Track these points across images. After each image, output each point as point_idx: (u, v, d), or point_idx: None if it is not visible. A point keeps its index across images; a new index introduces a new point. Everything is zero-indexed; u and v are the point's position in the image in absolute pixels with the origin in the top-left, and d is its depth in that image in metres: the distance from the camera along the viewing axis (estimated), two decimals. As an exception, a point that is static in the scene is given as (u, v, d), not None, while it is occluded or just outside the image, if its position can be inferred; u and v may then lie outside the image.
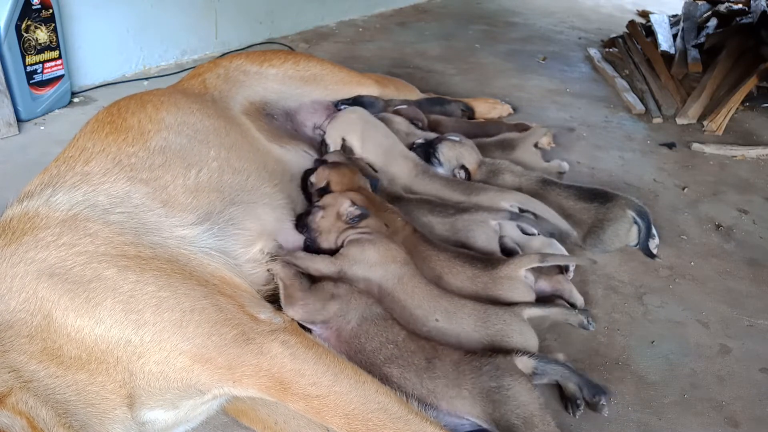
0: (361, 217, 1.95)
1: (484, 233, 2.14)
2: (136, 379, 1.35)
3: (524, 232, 2.24)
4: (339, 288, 1.74)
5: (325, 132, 2.48)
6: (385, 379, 1.56)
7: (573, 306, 2.03)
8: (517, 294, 1.92)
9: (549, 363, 1.69)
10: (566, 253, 2.19)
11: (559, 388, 1.76)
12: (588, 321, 1.96)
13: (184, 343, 1.36)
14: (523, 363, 1.64)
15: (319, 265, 1.86)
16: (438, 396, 1.56)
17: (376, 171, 2.37)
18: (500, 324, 1.76)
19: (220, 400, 1.55)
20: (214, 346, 1.38)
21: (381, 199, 2.17)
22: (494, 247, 2.14)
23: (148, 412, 1.39)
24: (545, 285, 2.05)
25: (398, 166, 2.41)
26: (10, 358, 1.28)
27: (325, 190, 2.13)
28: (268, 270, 1.77)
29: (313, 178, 2.20)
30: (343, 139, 2.42)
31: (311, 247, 1.98)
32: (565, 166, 2.81)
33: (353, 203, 1.98)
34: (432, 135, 2.68)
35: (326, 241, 1.97)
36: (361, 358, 1.62)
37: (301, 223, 2.01)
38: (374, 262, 1.85)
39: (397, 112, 2.79)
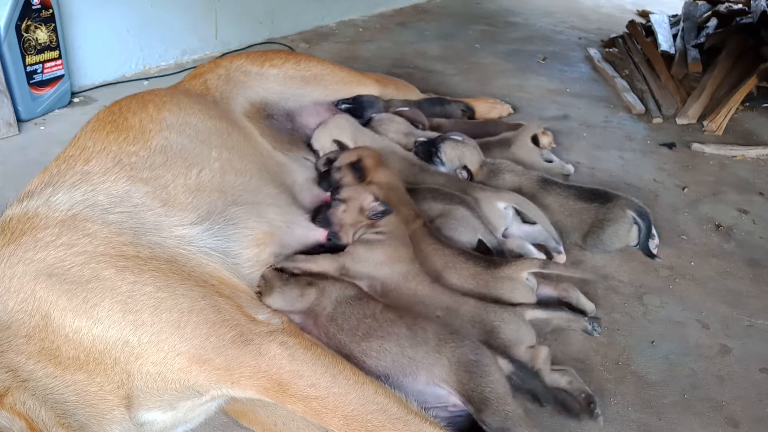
0: (384, 213, 1.94)
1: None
2: (134, 379, 1.35)
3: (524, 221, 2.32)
4: (315, 277, 1.77)
5: (312, 137, 2.45)
6: (365, 355, 1.58)
7: (581, 312, 2.01)
8: (517, 295, 1.92)
9: (522, 370, 1.65)
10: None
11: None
12: (593, 327, 1.94)
13: (182, 344, 1.36)
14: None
15: (321, 263, 1.87)
16: (419, 364, 1.57)
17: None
18: (498, 322, 1.76)
19: (219, 401, 1.55)
20: (212, 347, 1.38)
21: (402, 187, 2.16)
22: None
23: (146, 413, 1.39)
24: (551, 291, 2.04)
25: (395, 166, 2.40)
26: (7, 359, 1.28)
27: (355, 167, 2.14)
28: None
29: (338, 162, 2.18)
30: (336, 141, 2.41)
31: (333, 242, 1.97)
32: (570, 168, 2.81)
33: (376, 198, 1.97)
34: (433, 134, 2.68)
35: (347, 236, 1.97)
36: (340, 339, 1.63)
37: (321, 216, 1.99)
38: (380, 261, 1.86)
39: (397, 114, 2.78)
